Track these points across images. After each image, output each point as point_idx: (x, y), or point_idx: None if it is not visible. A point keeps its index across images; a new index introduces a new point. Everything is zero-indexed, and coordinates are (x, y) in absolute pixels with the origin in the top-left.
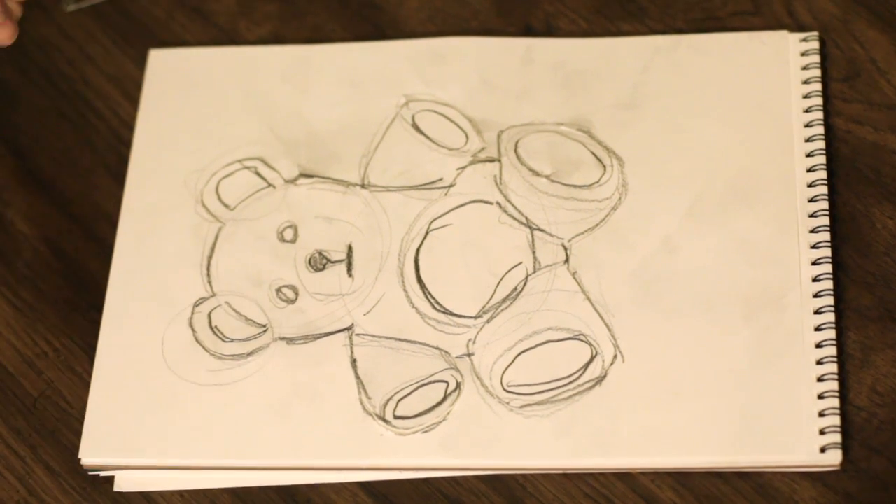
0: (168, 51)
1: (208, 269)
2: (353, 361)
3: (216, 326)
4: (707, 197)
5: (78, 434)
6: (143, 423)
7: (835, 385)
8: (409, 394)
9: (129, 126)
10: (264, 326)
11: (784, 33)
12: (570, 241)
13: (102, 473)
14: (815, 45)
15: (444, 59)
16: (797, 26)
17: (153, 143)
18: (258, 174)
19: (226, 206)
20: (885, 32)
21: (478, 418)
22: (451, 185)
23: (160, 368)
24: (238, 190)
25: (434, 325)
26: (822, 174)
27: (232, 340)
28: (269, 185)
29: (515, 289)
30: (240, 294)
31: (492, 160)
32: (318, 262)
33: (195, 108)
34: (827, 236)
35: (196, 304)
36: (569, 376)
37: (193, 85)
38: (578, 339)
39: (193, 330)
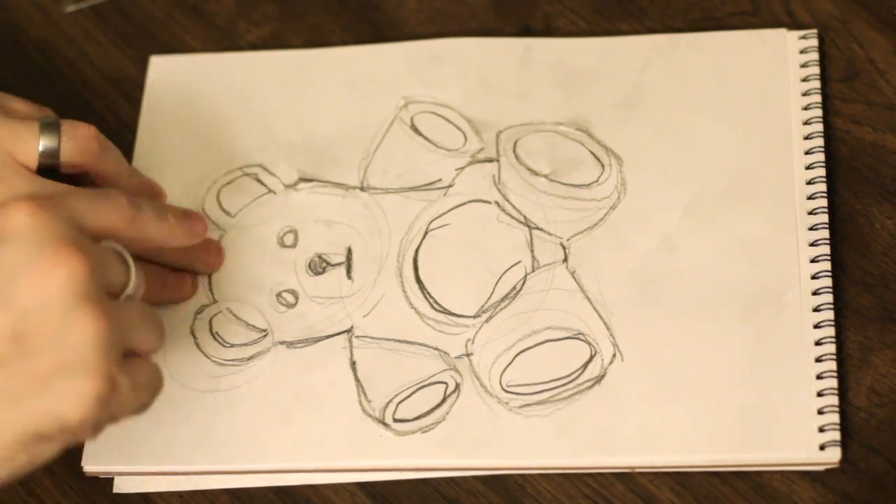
0: (168, 58)
1: (210, 276)
2: (353, 364)
3: (217, 332)
4: (706, 195)
5: None
6: (146, 430)
7: (834, 382)
8: (408, 396)
9: (129, 127)
10: (265, 331)
11: (783, 31)
12: (568, 240)
13: (102, 475)
14: (814, 42)
15: (442, 60)
16: (796, 26)
17: (154, 152)
18: (259, 181)
19: (227, 213)
20: (884, 32)
21: (477, 418)
22: (449, 186)
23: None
24: (239, 197)
25: (433, 325)
26: (821, 171)
27: (232, 345)
28: (270, 190)
29: (514, 288)
30: (241, 300)
31: (490, 160)
32: (318, 266)
33: (196, 116)
34: (826, 234)
35: (197, 312)
36: (568, 375)
37: (194, 92)
38: (577, 339)
39: (195, 337)
